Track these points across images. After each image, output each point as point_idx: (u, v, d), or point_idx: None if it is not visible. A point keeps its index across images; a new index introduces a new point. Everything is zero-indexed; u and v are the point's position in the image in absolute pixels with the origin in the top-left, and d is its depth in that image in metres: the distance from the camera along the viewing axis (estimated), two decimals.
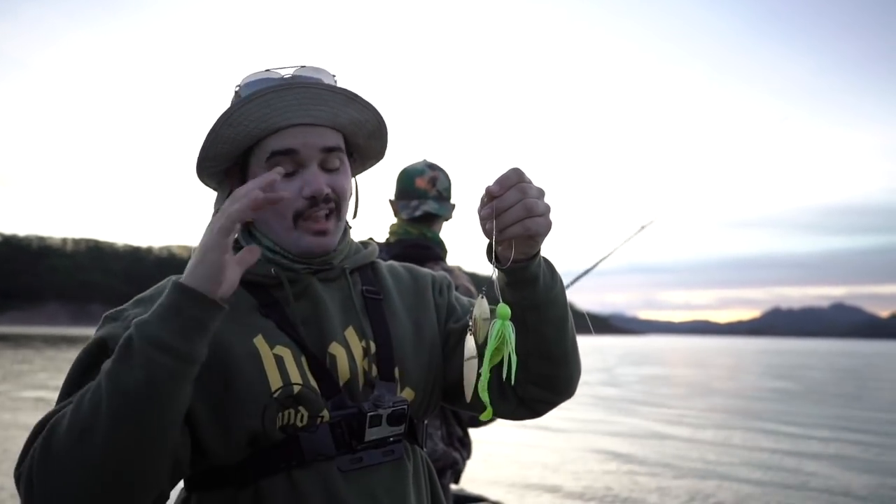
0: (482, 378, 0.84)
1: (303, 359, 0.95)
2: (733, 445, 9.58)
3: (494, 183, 0.86)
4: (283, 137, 0.97)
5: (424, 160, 2.22)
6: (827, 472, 7.83)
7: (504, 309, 0.85)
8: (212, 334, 0.83)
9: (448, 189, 2.19)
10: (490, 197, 0.86)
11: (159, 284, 1.00)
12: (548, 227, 0.88)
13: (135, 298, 0.99)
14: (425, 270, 1.16)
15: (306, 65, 1.00)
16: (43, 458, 0.80)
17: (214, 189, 1.08)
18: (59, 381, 0.91)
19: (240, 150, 0.99)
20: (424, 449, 1.06)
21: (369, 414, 0.94)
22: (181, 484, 0.98)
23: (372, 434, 0.95)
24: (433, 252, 2.11)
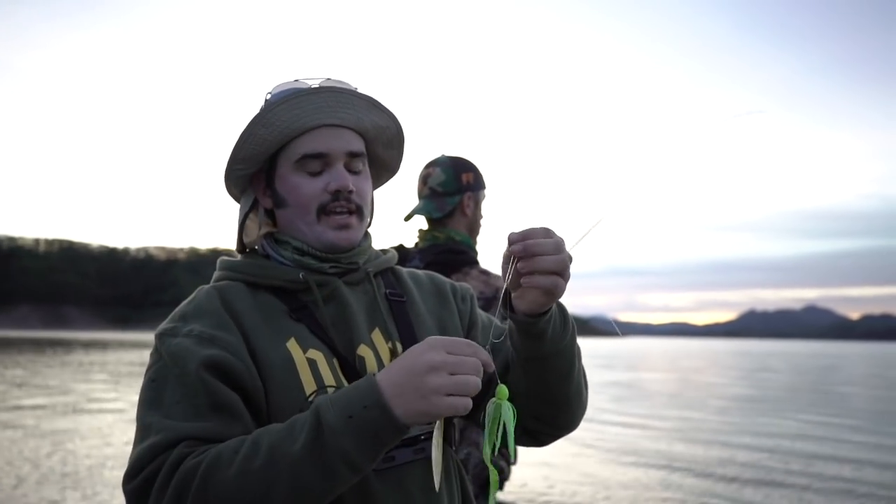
0: (485, 453, 0.84)
1: (334, 361, 0.98)
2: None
3: (517, 233, 0.87)
4: (312, 140, 1.01)
5: (441, 156, 2.09)
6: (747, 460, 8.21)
7: (502, 390, 0.85)
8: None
9: (446, 182, 2.03)
10: (509, 242, 0.87)
11: (196, 297, 1.02)
12: (560, 286, 0.89)
13: (180, 314, 0.99)
14: (445, 278, 1.19)
15: (332, 77, 1.06)
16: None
17: (236, 198, 1.12)
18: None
19: (270, 152, 1.04)
20: (454, 448, 1.09)
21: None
22: None
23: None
24: (468, 256, 2.00)
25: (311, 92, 1.01)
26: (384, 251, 1.15)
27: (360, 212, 1.04)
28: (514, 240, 0.87)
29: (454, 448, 1.08)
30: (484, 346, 1.00)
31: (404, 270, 1.16)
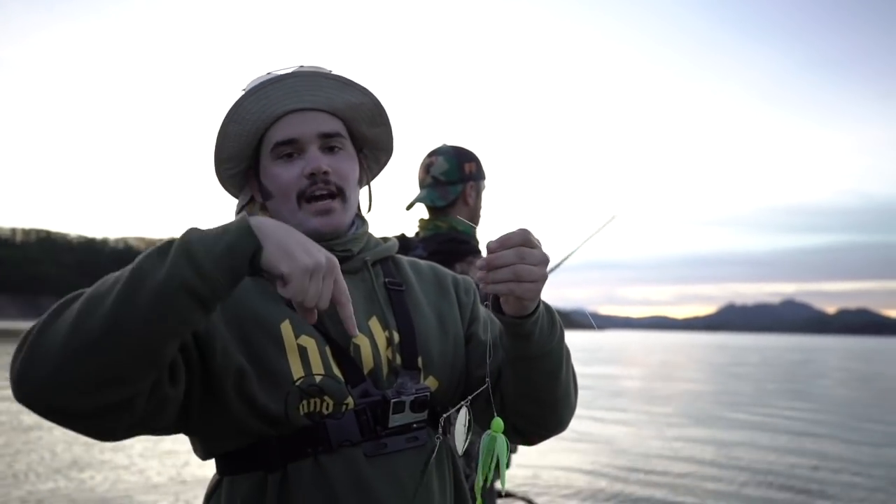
0: (477, 484, 0.87)
1: (327, 348, 0.97)
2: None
3: (496, 240, 0.89)
4: (282, 127, 1.01)
5: (442, 145, 2.10)
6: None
7: (497, 423, 0.88)
8: (242, 273, 0.81)
9: (449, 171, 2.02)
10: (488, 251, 0.88)
11: None
12: (535, 292, 0.89)
13: None
14: (447, 270, 1.19)
15: (304, 64, 1.04)
16: (49, 316, 0.81)
17: (236, 196, 1.11)
18: None
19: (250, 147, 1.04)
20: (447, 436, 1.09)
21: (393, 401, 0.96)
22: (213, 469, 1.04)
23: (396, 420, 0.97)
24: (471, 246, 1.99)
25: (277, 80, 1.00)
26: (385, 239, 1.14)
27: (342, 194, 1.02)
28: (492, 248, 0.88)
29: (447, 436, 1.09)
30: (484, 341, 1.04)
31: (405, 259, 1.16)
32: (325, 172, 1.00)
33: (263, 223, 0.82)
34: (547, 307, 0.97)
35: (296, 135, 1.00)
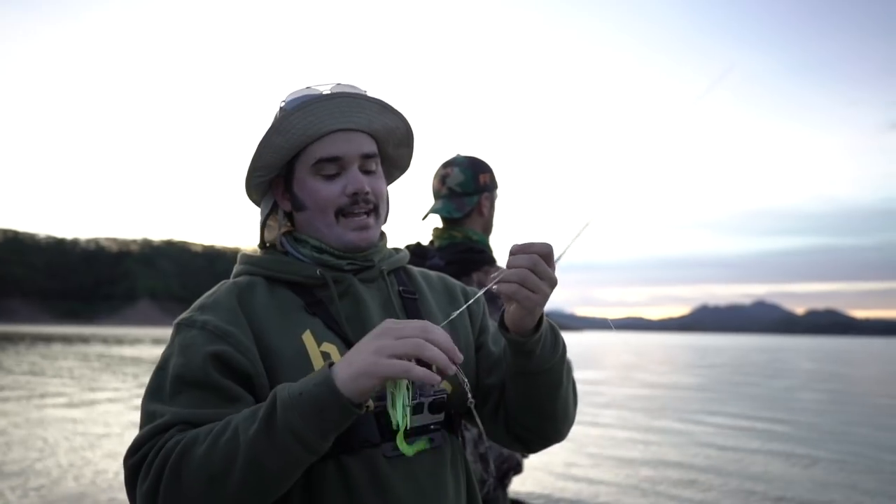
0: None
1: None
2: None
3: (521, 244, 0.95)
4: (326, 144, 1.06)
5: (456, 155, 2.12)
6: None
7: None
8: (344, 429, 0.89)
9: (465, 182, 2.05)
10: (510, 252, 0.95)
11: (217, 291, 1.06)
12: (533, 303, 0.95)
13: (199, 304, 1.04)
14: (455, 280, 1.25)
15: (342, 82, 1.10)
16: (173, 482, 0.87)
17: (257, 203, 1.16)
18: None
19: (287, 158, 1.08)
20: (461, 440, 1.14)
21: (412, 402, 0.98)
22: None
23: (415, 421, 1.00)
24: (487, 256, 2.03)
25: (324, 98, 1.05)
26: (397, 250, 1.19)
27: (376, 211, 1.09)
28: (514, 251, 0.95)
29: (461, 439, 1.14)
30: (494, 351, 1.11)
31: (416, 269, 1.21)
32: (367, 193, 1.07)
33: (339, 373, 0.87)
34: (551, 325, 1.04)
35: (340, 153, 1.06)
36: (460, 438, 1.13)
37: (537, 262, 0.93)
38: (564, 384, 1.08)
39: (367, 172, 1.08)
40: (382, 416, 0.98)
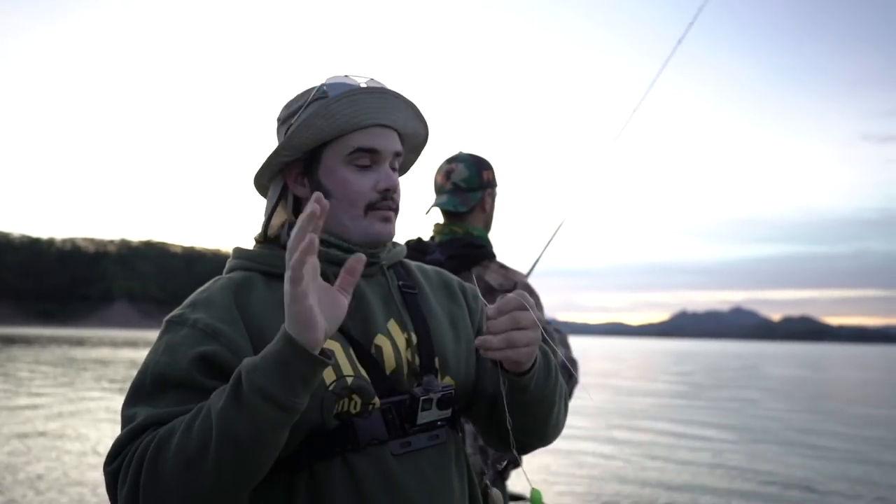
0: None
1: (351, 350, 1.00)
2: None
3: (494, 307, 0.95)
4: (366, 136, 1.05)
5: (459, 152, 2.14)
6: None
7: (537, 494, 0.95)
8: (315, 384, 0.87)
9: (469, 179, 2.07)
10: (487, 318, 0.96)
11: (211, 287, 1.05)
12: (528, 356, 0.96)
13: (190, 301, 1.03)
14: (452, 275, 1.25)
15: (374, 77, 1.11)
16: (151, 476, 0.86)
17: (263, 189, 1.14)
18: None
19: (319, 143, 1.06)
20: (462, 435, 1.15)
21: (422, 398, 1.00)
22: None
23: (423, 417, 1.01)
24: (487, 251, 2.06)
25: (369, 91, 1.06)
26: (394, 244, 1.19)
27: (397, 210, 1.10)
28: (490, 315, 0.95)
29: (461, 435, 1.16)
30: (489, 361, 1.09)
31: (413, 264, 1.21)
32: (395, 191, 1.08)
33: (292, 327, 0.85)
34: (544, 353, 1.05)
35: (379, 147, 1.06)
36: (460, 433, 1.15)
37: (517, 318, 0.94)
38: (557, 405, 1.10)
39: (393, 170, 1.09)
40: (389, 413, 1.00)
